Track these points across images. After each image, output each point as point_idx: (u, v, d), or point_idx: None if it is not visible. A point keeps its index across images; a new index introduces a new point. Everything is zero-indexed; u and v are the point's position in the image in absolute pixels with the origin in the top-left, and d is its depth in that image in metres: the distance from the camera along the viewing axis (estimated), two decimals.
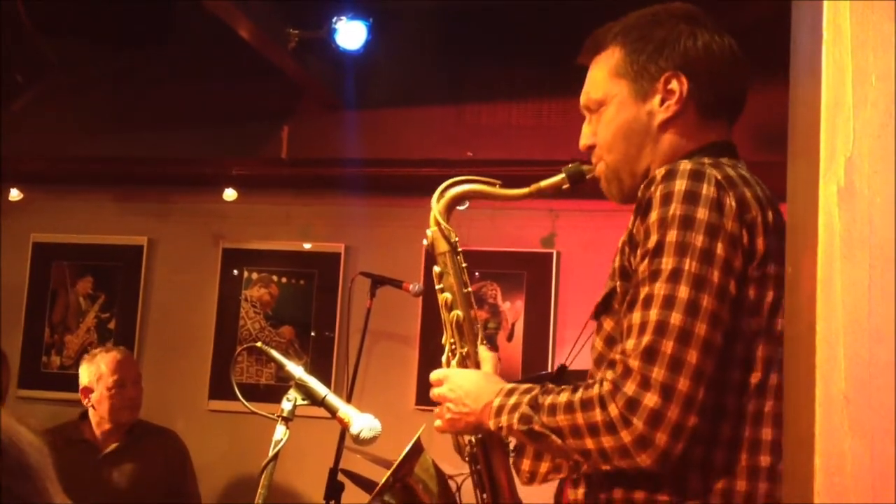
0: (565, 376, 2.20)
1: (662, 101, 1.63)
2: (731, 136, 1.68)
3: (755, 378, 1.47)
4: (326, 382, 4.71)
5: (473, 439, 1.78)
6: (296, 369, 1.92)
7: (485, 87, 3.93)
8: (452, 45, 3.80)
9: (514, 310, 4.53)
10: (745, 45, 1.69)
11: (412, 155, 4.09)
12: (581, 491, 1.60)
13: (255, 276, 4.87)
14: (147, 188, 4.88)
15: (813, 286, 0.94)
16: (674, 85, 1.62)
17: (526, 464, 1.69)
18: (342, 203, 4.67)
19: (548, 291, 4.52)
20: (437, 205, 1.85)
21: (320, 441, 3.99)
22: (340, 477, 3.90)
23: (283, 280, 4.85)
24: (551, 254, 4.54)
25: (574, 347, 1.89)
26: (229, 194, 4.46)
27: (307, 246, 4.78)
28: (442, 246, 1.85)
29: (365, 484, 3.62)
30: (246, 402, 1.98)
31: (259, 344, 2.04)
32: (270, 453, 1.87)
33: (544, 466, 1.66)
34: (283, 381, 4.98)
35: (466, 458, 1.79)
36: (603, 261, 4.56)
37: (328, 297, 4.75)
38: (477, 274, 4.46)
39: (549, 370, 4.37)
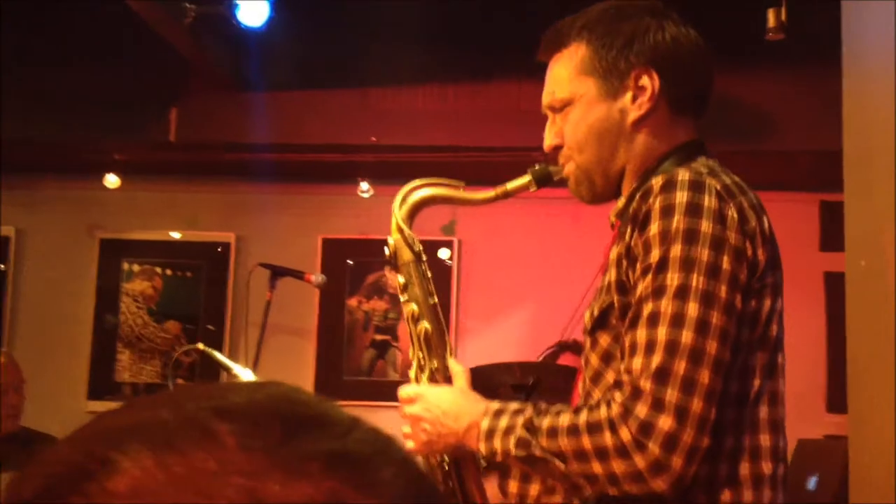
0: (539, 389, 2.11)
1: (634, 98, 1.55)
2: (698, 133, 1.61)
3: (753, 387, 1.44)
4: (216, 379, 4.49)
5: (447, 458, 1.65)
6: (244, 373, 1.74)
7: (389, 70, 3.78)
8: (356, 27, 3.62)
9: None
10: (703, 22, 1.64)
11: (313, 140, 3.90)
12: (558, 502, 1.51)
13: (136, 268, 4.57)
14: (15, 174, 4.49)
15: None
16: (645, 81, 1.55)
17: (513, 485, 1.59)
18: (234, 190, 4.43)
19: (448, 279, 4.43)
20: (399, 210, 1.71)
21: None
22: None
23: (168, 272, 4.57)
24: (452, 241, 4.44)
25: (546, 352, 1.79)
26: (111, 181, 4.15)
27: (189, 235, 4.51)
28: (406, 255, 1.72)
29: None
30: None
31: (201, 345, 1.84)
32: None
33: (534, 488, 1.56)
34: (170, 379, 4.71)
35: (440, 478, 1.67)
36: (504, 248, 4.53)
37: (217, 290, 4.51)
38: (381, 264, 4.33)
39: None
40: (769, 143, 3.28)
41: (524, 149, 3.79)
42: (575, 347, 3.54)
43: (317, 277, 3.91)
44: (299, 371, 4.42)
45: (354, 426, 0.46)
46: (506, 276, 4.42)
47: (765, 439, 1.43)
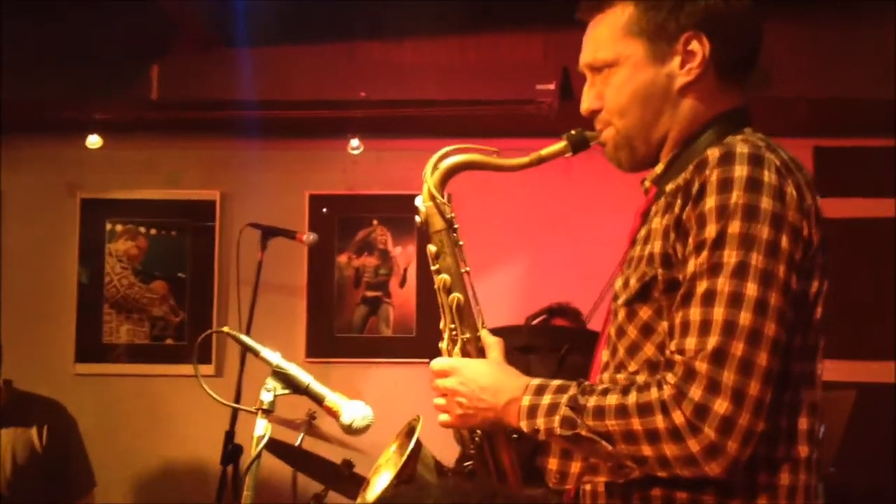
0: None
1: (683, 63, 1.50)
2: (743, 98, 1.57)
3: (795, 368, 1.42)
4: (207, 340, 4.41)
5: (479, 431, 1.64)
6: (272, 356, 1.71)
7: (378, 23, 3.70)
8: None
9: (405, 255, 4.39)
10: None
11: (300, 96, 3.83)
12: (601, 480, 1.50)
13: (119, 227, 4.49)
14: None
15: None
16: (695, 45, 1.50)
17: (553, 462, 1.56)
18: (219, 147, 4.34)
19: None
20: (430, 178, 1.68)
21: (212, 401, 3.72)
22: (239, 439, 3.68)
23: (153, 231, 4.50)
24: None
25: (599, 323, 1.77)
26: (93, 141, 4.05)
27: (173, 194, 4.42)
28: (437, 223, 1.68)
29: (270, 446, 3.42)
30: (217, 397, 1.76)
31: (226, 329, 1.81)
32: (253, 452, 1.66)
33: (576, 466, 1.53)
34: (158, 340, 4.67)
35: (472, 450, 1.65)
36: (493, 203, 4.48)
37: (204, 249, 4.45)
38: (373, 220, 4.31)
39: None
40: (766, 90, 3.27)
41: (514, 101, 3.76)
42: (565, 312, 3.52)
43: (309, 237, 3.87)
44: (291, 329, 4.39)
45: None
46: (495, 231, 4.39)
47: (803, 422, 1.42)
